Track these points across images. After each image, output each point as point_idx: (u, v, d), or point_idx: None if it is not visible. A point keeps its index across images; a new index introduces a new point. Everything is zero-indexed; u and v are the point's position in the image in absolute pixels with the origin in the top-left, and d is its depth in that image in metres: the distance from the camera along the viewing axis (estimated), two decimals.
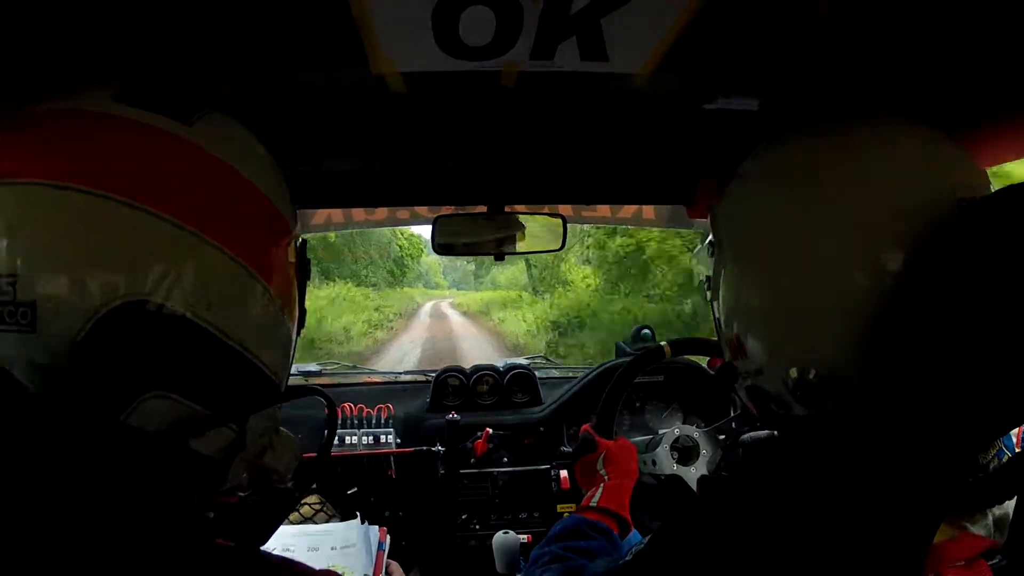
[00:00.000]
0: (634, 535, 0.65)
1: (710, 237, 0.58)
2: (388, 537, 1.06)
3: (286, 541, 1.02)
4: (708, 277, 0.59)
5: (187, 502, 0.44)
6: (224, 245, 0.40)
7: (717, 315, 0.57)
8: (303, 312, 0.52)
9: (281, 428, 0.48)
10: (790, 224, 0.48)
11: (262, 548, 0.45)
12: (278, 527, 0.46)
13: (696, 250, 0.62)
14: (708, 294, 0.59)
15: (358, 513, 1.11)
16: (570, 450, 0.95)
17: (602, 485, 0.88)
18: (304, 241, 0.52)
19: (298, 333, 0.51)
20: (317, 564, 0.97)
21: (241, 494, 0.47)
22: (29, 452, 0.34)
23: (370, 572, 0.97)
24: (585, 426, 1.00)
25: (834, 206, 0.46)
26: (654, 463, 1.07)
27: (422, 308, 21.07)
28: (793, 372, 0.47)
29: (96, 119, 0.40)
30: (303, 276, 0.50)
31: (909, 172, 0.46)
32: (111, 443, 0.37)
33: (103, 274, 0.37)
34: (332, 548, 1.01)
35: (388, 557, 1.03)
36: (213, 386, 0.41)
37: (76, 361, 0.36)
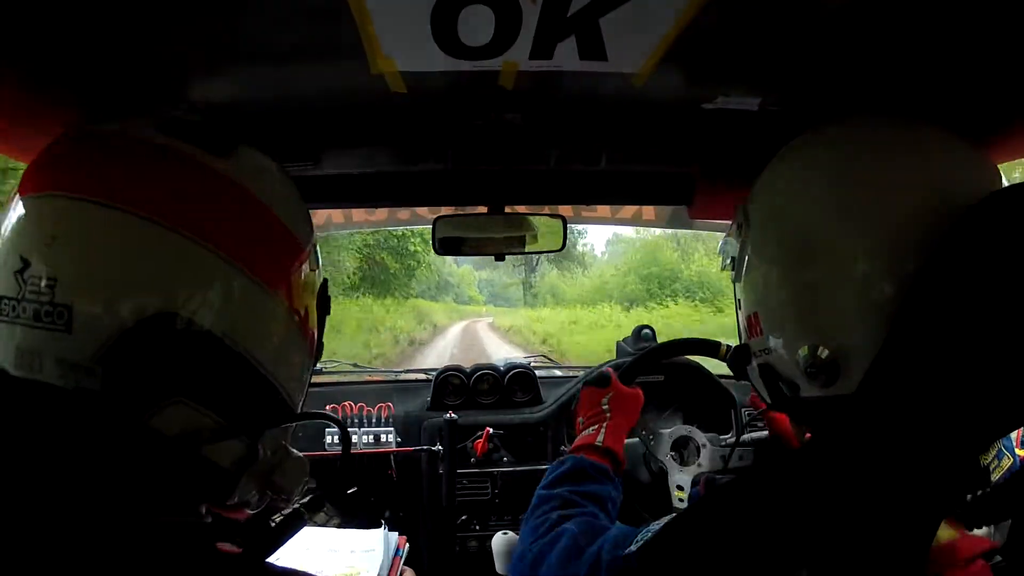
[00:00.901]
0: (618, 526, 0.65)
1: (739, 219, 0.60)
2: (407, 545, 1.07)
3: (307, 541, 1.03)
4: (733, 258, 0.61)
5: (195, 508, 0.46)
6: (250, 270, 0.44)
7: (738, 295, 0.59)
8: (320, 345, 0.55)
9: (294, 450, 0.50)
10: (817, 216, 0.50)
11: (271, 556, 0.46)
12: (283, 543, 0.48)
13: (725, 234, 0.63)
14: (732, 275, 0.61)
15: (383, 521, 1.12)
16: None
17: (605, 423, 0.87)
18: (326, 280, 0.55)
19: (314, 363, 0.54)
20: (335, 565, 0.99)
21: (249, 512, 0.49)
22: (52, 446, 0.37)
23: (385, 575, 0.98)
24: (608, 367, 0.99)
25: (860, 204, 0.48)
26: (652, 439, 1.08)
27: (447, 332, 16.16)
28: (804, 350, 0.49)
29: (141, 146, 0.44)
30: (323, 311, 0.54)
31: (931, 178, 0.48)
32: (133, 442, 0.40)
33: (137, 288, 0.40)
34: (351, 551, 1.02)
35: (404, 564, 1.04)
36: (231, 399, 0.44)
37: (105, 363, 0.39)
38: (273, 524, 0.49)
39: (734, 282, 0.61)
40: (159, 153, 0.43)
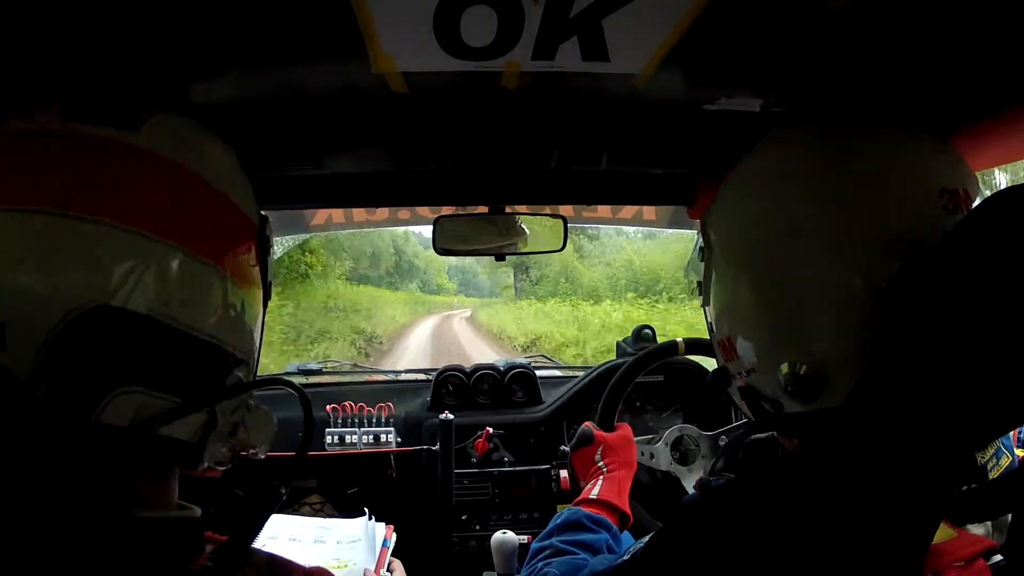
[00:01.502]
0: (627, 537, 0.65)
1: (700, 242, 0.59)
2: (395, 535, 1.07)
3: (293, 532, 1.03)
4: (699, 282, 0.60)
5: (170, 493, 0.45)
6: (178, 242, 0.42)
7: (709, 319, 0.58)
8: (268, 285, 0.53)
9: (256, 404, 0.49)
10: (779, 226, 0.49)
11: (255, 542, 0.46)
12: (265, 522, 0.47)
13: (690, 258, 0.62)
14: (700, 299, 0.60)
15: (366, 510, 1.12)
16: (569, 450, 0.96)
17: (601, 477, 0.88)
18: (265, 216, 0.53)
19: (264, 305, 0.53)
20: (321, 556, 0.99)
21: (222, 468, 0.48)
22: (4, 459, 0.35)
23: (371, 567, 0.97)
24: (587, 422, 1.00)
25: (820, 209, 0.47)
26: (652, 456, 1.08)
27: (410, 335, 12.76)
28: (784, 367, 0.48)
29: (42, 139, 0.41)
30: (264, 253, 0.52)
31: (893, 173, 0.47)
32: (85, 443, 0.38)
33: (62, 288, 0.38)
34: (337, 542, 1.02)
35: (392, 555, 1.03)
36: (181, 376, 0.43)
37: (44, 369, 0.38)
38: (252, 504, 0.48)
39: (703, 307, 0.59)
40: (49, 141, 0.41)
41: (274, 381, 0.54)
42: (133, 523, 0.39)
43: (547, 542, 0.76)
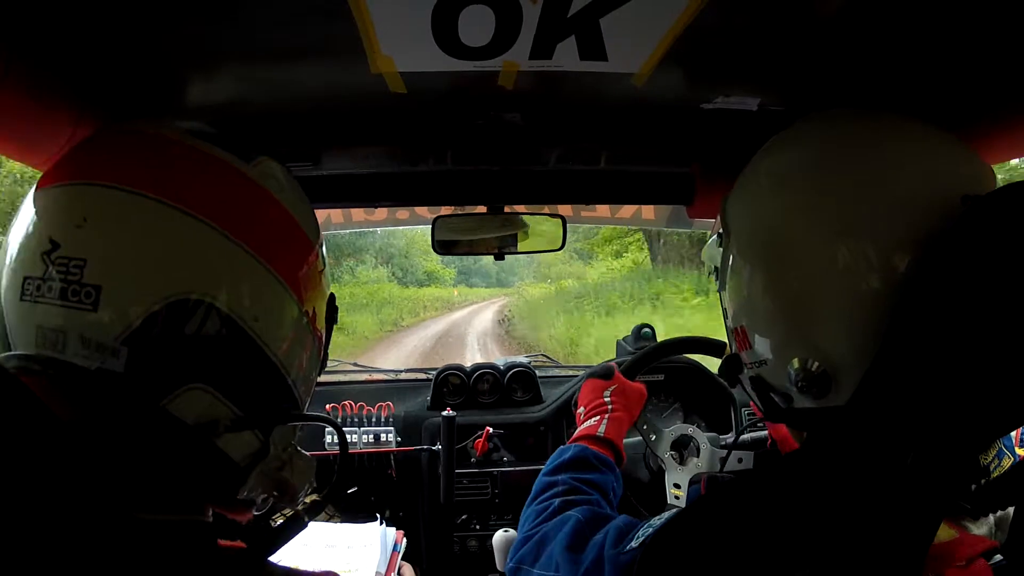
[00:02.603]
0: (622, 516, 0.65)
1: (719, 228, 0.59)
2: (405, 540, 1.07)
3: (304, 536, 1.03)
4: (716, 268, 0.60)
5: (201, 505, 0.46)
6: (273, 268, 0.45)
7: (724, 304, 0.58)
8: (326, 356, 0.56)
9: (300, 449, 0.51)
10: (798, 221, 0.49)
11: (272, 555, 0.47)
12: (284, 544, 0.48)
13: (708, 242, 0.62)
14: (716, 284, 0.60)
15: (379, 515, 1.12)
16: None
17: (606, 416, 0.87)
18: (333, 295, 0.56)
19: (320, 369, 0.55)
20: (332, 560, 0.99)
21: (254, 513, 0.49)
22: (68, 426, 0.37)
23: (383, 571, 0.98)
24: (612, 362, 0.99)
25: (840, 205, 0.47)
26: (654, 436, 1.08)
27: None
28: (796, 362, 0.48)
29: (176, 144, 0.46)
30: (331, 320, 0.56)
31: (914, 172, 0.47)
32: (150, 425, 0.41)
33: (166, 273, 0.41)
34: (348, 547, 1.02)
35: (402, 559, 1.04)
36: (248, 390, 0.45)
37: (130, 344, 0.40)
38: (274, 525, 0.49)
39: (719, 291, 0.59)
40: (193, 152, 0.45)
41: (320, 418, 0.60)
42: (139, 525, 0.38)
43: (557, 477, 0.75)
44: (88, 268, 0.40)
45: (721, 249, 0.58)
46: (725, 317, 0.58)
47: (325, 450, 1.35)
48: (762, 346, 0.52)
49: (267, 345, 0.45)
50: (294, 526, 0.49)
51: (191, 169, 0.45)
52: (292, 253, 0.48)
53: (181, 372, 0.41)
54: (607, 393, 0.91)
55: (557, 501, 0.70)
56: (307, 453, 0.52)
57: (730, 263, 0.55)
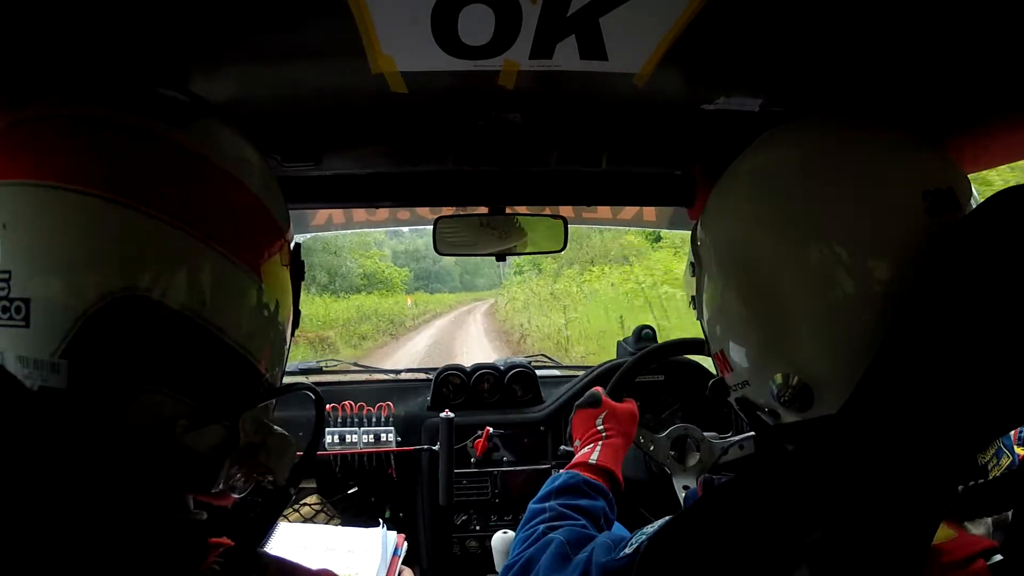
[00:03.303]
0: (618, 527, 0.65)
1: (691, 258, 0.60)
2: (406, 544, 1.07)
3: (304, 539, 1.03)
4: (693, 296, 0.60)
5: (180, 499, 0.44)
6: (216, 244, 0.41)
7: (705, 332, 0.59)
8: (297, 313, 0.53)
9: (276, 427, 0.48)
10: (766, 235, 0.49)
11: (267, 546, 0.45)
12: (275, 526, 0.46)
13: (683, 273, 0.63)
14: (696, 312, 0.61)
15: (381, 520, 1.12)
16: (571, 450, 0.96)
17: (600, 442, 0.88)
18: (298, 244, 0.53)
19: (292, 334, 0.52)
20: (332, 563, 0.98)
21: (236, 496, 0.47)
22: (21, 449, 0.35)
23: (383, 575, 0.98)
24: (597, 387, 1.00)
25: (802, 210, 0.47)
26: (651, 445, 1.08)
27: None
28: (778, 378, 0.48)
29: (89, 123, 0.41)
30: (297, 277, 0.52)
31: (874, 174, 0.47)
32: (104, 438, 0.38)
33: (96, 272, 0.37)
34: (349, 551, 1.02)
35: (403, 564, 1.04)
36: (206, 382, 0.42)
37: (69, 356, 0.37)
38: (259, 507, 0.47)
39: (698, 319, 0.60)
40: (103, 127, 0.41)
41: (292, 388, 0.52)
42: (138, 522, 0.38)
43: (546, 504, 0.75)
44: (14, 280, 0.37)
45: (693, 277, 0.59)
46: (706, 343, 0.59)
47: (325, 450, 1.35)
48: (743, 367, 0.52)
49: (222, 331, 0.42)
50: (281, 501, 0.47)
51: (102, 147, 0.40)
52: (242, 226, 0.44)
53: (129, 378, 0.38)
54: (599, 421, 0.92)
55: (542, 527, 0.71)
56: (282, 431, 0.48)
57: (704, 288, 0.56)
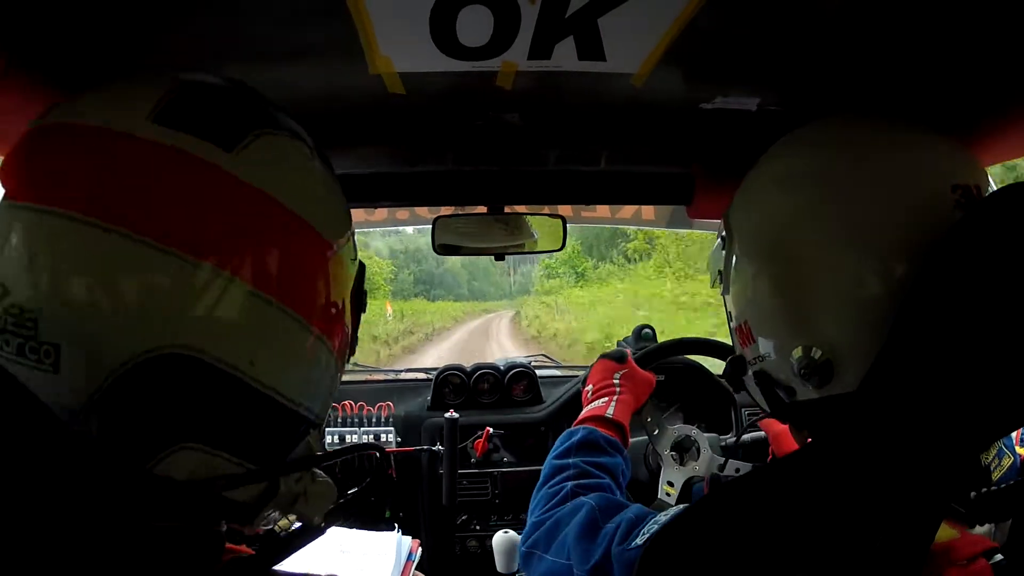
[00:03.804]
0: (636, 506, 0.64)
1: (722, 232, 0.60)
2: (420, 549, 1.07)
3: (320, 540, 1.03)
4: (720, 272, 0.61)
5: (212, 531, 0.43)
6: (273, 296, 0.37)
7: (728, 307, 0.59)
8: (355, 340, 0.49)
9: (319, 473, 0.45)
10: (802, 222, 0.50)
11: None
12: (294, 552, 0.44)
13: (712, 249, 0.63)
14: (720, 288, 0.61)
15: (396, 524, 1.12)
16: None
17: (615, 397, 0.87)
18: (362, 267, 0.48)
19: (348, 359, 0.48)
20: (346, 566, 0.98)
21: (271, 528, 0.45)
22: (47, 494, 0.32)
23: None
24: (628, 349, 1.00)
25: (844, 207, 0.48)
26: (656, 431, 1.08)
27: None
28: (798, 351, 0.49)
29: (127, 143, 0.36)
30: (358, 308, 0.48)
31: (909, 172, 0.48)
32: (136, 490, 0.35)
33: (135, 323, 0.34)
34: (364, 553, 1.02)
35: (417, 569, 1.04)
36: (253, 439, 0.39)
37: (99, 410, 0.34)
38: (288, 532, 0.46)
39: (723, 295, 0.61)
40: (146, 150, 0.36)
41: (351, 450, 0.49)
42: (150, 531, 0.36)
43: (568, 460, 0.75)
44: (42, 324, 0.33)
45: (723, 251, 0.59)
46: (729, 319, 0.60)
47: (325, 450, 1.35)
48: (765, 339, 0.53)
49: (274, 390, 0.38)
50: (310, 534, 0.45)
51: (149, 178, 0.35)
52: (294, 267, 0.39)
53: (165, 433, 0.35)
54: (617, 376, 0.92)
55: (570, 485, 0.70)
56: (326, 478, 0.45)
57: (734, 264, 0.57)
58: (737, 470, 1.04)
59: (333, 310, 0.43)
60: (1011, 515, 0.42)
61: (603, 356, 0.98)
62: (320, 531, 0.45)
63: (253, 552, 0.44)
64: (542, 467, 0.81)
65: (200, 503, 0.37)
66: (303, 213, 0.40)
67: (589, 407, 0.88)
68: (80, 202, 0.34)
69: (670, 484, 1.05)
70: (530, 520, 0.71)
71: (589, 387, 0.92)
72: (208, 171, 0.36)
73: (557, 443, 0.80)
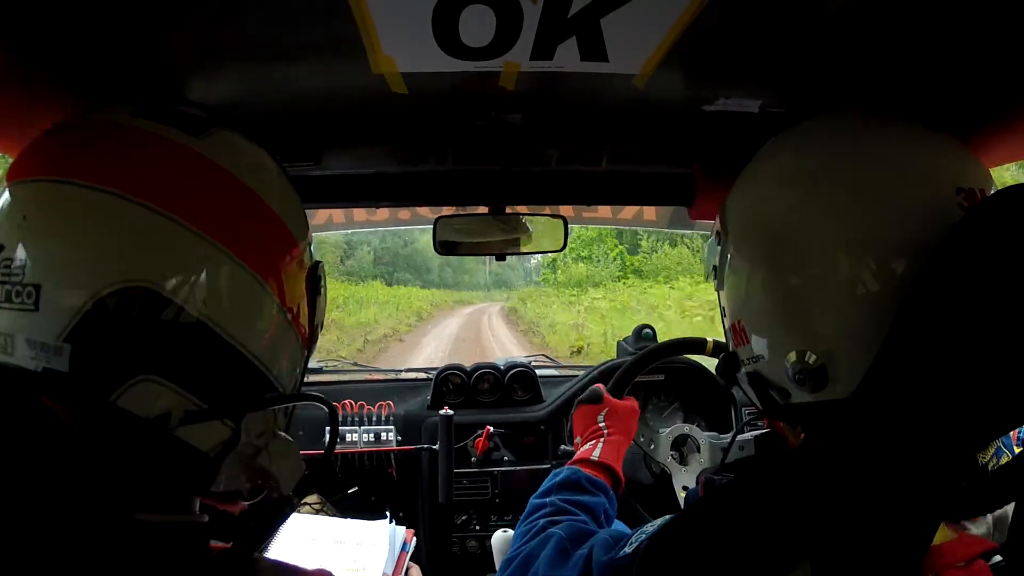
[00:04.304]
0: (617, 524, 0.65)
1: (718, 227, 0.59)
2: (414, 540, 1.07)
3: (313, 531, 1.03)
4: (715, 267, 0.60)
5: (186, 501, 0.45)
6: (228, 247, 0.43)
7: (722, 303, 0.58)
8: (314, 328, 0.53)
9: (281, 432, 0.48)
10: (798, 219, 0.49)
11: (266, 551, 0.45)
12: (275, 532, 0.47)
13: (707, 244, 0.63)
14: (715, 283, 0.61)
15: (388, 513, 1.12)
16: (571, 449, 0.96)
17: (602, 439, 0.88)
18: (319, 262, 0.53)
19: (309, 350, 0.52)
20: (340, 557, 0.98)
21: (244, 503, 0.47)
22: (15, 435, 0.36)
23: (390, 571, 0.98)
24: (599, 384, 1.00)
25: (842, 206, 0.47)
26: (652, 444, 1.08)
27: None
28: (793, 355, 0.48)
29: (112, 127, 0.44)
30: (313, 293, 0.52)
31: (910, 172, 0.47)
32: (100, 422, 0.40)
33: (105, 262, 0.40)
34: (358, 544, 1.02)
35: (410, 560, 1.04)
36: (210, 380, 0.43)
37: (72, 340, 0.39)
38: (261, 514, 0.47)
39: (717, 291, 0.60)
40: (125, 133, 0.44)
41: (305, 397, 0.52)
42: (134, 526, 0.38)
43: (547, 499, 0.75)
44: (28, 267, 0.39)
45: (719, 248, 0.59)
46: (723, 315, 0.59)
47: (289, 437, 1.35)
48: (759, 340, 0.52)
49: (227, 332, 0.43)
50: (282, 510, 0.47)
51: (126, 150, 0.43)
52: (255, 235, 0.45)
53: (128, 364, 0.40)
54: (600, 417, 0.92)
55: (542, 522, 0.71)
56: (287, 436, 0.48)
57: (728, 261, 0.56)
58: (741, 448, 1.03)
59: (293, 288, 0.48)
60: (1000, 504, 0.42)
61: (579, 402, 0.97)
62: (291, 506, 0.48)
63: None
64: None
65: (161, 442, 0.41)
66: (257, 188, 0.46)
67: (578, 452, 0.88)
68: (67, 170, 0.41)
69: (685, 488, 1.05)
70: (504, 558, 0.71)
71: (578, 438, 0.93)
72: (180, 148, 0.44)
73: (543, 484, 0.80)
